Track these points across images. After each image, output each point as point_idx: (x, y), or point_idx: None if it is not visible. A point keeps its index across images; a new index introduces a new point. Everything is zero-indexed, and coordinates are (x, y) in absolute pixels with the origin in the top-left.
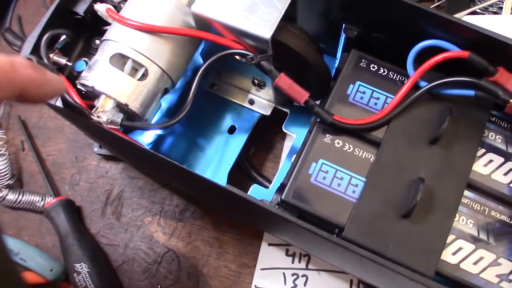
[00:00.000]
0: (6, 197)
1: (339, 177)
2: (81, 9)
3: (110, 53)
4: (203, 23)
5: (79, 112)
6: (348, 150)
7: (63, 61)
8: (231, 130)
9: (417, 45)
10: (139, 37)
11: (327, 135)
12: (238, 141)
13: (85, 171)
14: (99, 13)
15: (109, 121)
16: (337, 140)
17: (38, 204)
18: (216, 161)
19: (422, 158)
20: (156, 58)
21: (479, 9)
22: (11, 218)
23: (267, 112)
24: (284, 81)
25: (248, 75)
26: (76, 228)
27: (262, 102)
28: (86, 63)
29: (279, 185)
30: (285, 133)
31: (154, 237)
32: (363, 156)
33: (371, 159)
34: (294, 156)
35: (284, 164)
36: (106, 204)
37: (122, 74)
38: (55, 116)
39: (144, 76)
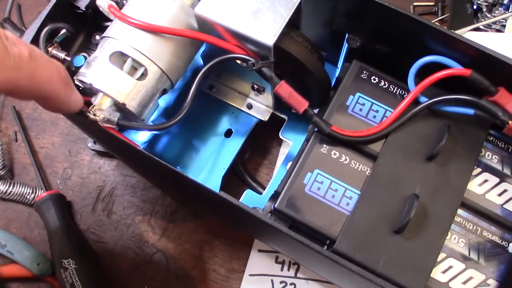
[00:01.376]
0: None
1: (334, 189)
2: (82, 3)
3: (110, 51)
4: (205, 26)
5: None
6: (344, 162)
7: (61, 55)
8: (228, 133)
9: (419, 60)
10: (140, 36)
11: (324, 145)
12: (234, 145)
13: (77, 166)
14: (100, 9)
15: (105, 119)
16: (334, 151)
17: (28, 197)
18: (210, 164)
19: (418, 174)
20: (156, 58)
21: (482, 26)
22: (0, 209)
23: (265, 117)
24: (284, 89)
25: (248, 79)
26: (65, 223)
27: (260, 107)
28: (85, 58)
29: (273, 192)
30: (281, 140)
31: (143, 237)
32: (359, 169)
33: (366, 172)
34: (289, 164)
35: (279, 171)
36: (97, 201)
37: (121, 73)
38: None
39: (143, 75)
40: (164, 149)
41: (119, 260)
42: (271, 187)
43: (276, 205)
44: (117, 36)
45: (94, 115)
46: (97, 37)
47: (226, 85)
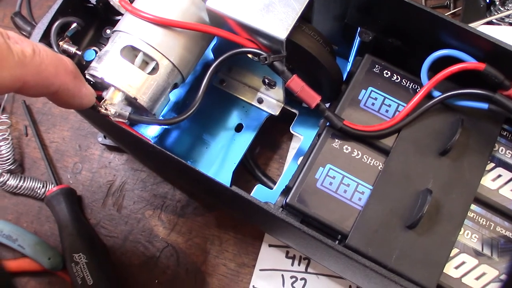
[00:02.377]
0: (7, 182)
1: (346, 184)
2: None
3: (121, 45)
4: (217, 19)
5: None
6: (357, 157)
7: (72, 49)
8: (238, 128)
9: (432, 54)
10: (151, 30)
11: (336, 140)
12: (245, 140)
13: (88, 161)
14: (111, 2)
15: (117, 114)
16: (346, 146)
17: (39, 191)
18: (221, 158)
19: (430, 169)
20: (168, 52)
21: (495, 19)
22: (10, 203)
23: (276, 112)
24: (296, 83)
25: (259, 73)
26: (76, 217)
27: (271, 101)
28: (96, 52)
29: (284, 187)
30: (292, 134)
31: (154, 231)
32: (371, 164)
33: (379, 167)
34: (300, 159)
35: (290, 166)
36: (107, 195)
37: (132, 67)
38: None
39: (154, 70)
40: (174, 143)
41: (129, 254)
42: (282, 182)
43: (288, 200)
44: (128, 30)
45: (106, 109)
46: (108, 31)
47: (237, 80)
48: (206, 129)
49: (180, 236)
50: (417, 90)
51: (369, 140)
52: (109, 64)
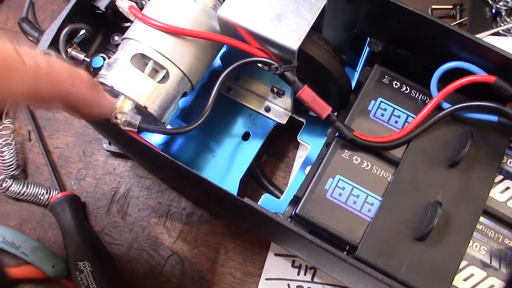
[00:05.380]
0: (10, 188)
1: (355, 195)
2: (102, 4)
3: (131, 53)
4: (228, 28)
5: None
6: (366, 168)
7: (81, 56)
8: (245, 136)
9: (442, 66)
10: (162, 38)
11: (346, 150)
12: (252, 148)
13: (92, 167)
14: (120, 9)
15: (127, 123)
16: (356, 157)
17: (42, 197)
18: (228, 166)
19: (440, 180)
20: (178, 60)
21: (502, 30)
22: (13, 209)
23: (283, 120)
24: (307, 93)
25: (267, 82)
26: (81, 225)
27: (278, 110)
28: (104, 59)
29: (291, 196)
30: (298, 142)
31: (159, 239)
32: (381, 175)
33: (388, 178)
34: (308, 168)
35: (297, 175)
36: (112, 202)
37: (143, 75)
38: None
39: (164, 78)
40: (180, 151)
41: (134, 262)
42: (290, 191)
43: (297, 211)
44: (138, 38)
45: (116, 118)
46: (116, 38)
47: (244, 88)
48: (212, 137)
49: (186, 244)
50: (426, 101)
51: (378, 151)
52: (119, 72)
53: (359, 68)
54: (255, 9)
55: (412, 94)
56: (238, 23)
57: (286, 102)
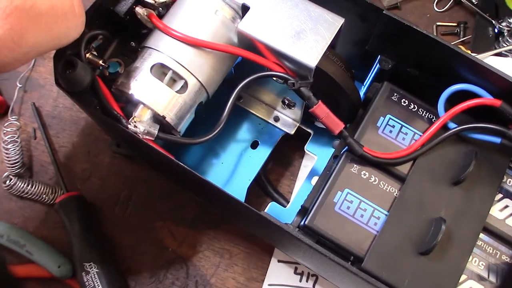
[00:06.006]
0: (14, 186)
1: (363, 208)
2: (121, 10)
3: (151, 63)
4: (246, 42)
5: (115, 119)
6: (374, 182)
7: (98, 61)
8: (253, 144)
9: (449, 88)
10: (182, 49)
11: (355, 165)
12: (260, 157)
13: (97, 167)
14: (139, 16)
15: (146, 131)
16: (364, 171)
17: (46, 196)
18: (236, 174)
19: (443, 197)
20: (197, 72)
21: (505, 51)
22: (17, 206)
23: (291, 131)
24: (321, 109)
25: (277, 92)
26: (87, 226)
27: (287, 120)
28: (119, 64)
29: (297, 205)
30: (303, 151)
31: (164, 243)
32: (387, 190)
33: (394, 193)
34: (314, 178)
35: (304, 185)
36: (117, 204)
37: (162, 85)
38: (70, 108)
39: (182, 88)
40: (188, 156)
41: (138, 265)
42: (296, 200)
43: (306, 222)
44: (158, 47)
45: (135, 127)
46: (133, 43)
47: (254, 96)
48: (221, 144)
49: (190, 249)
50: (433, 120)
51: (385, 167)
52: (139, 81)
53: (367, 82)
54: (275, 25)
55: (419, 113)
56: (258, 38)
57: (295, 112)
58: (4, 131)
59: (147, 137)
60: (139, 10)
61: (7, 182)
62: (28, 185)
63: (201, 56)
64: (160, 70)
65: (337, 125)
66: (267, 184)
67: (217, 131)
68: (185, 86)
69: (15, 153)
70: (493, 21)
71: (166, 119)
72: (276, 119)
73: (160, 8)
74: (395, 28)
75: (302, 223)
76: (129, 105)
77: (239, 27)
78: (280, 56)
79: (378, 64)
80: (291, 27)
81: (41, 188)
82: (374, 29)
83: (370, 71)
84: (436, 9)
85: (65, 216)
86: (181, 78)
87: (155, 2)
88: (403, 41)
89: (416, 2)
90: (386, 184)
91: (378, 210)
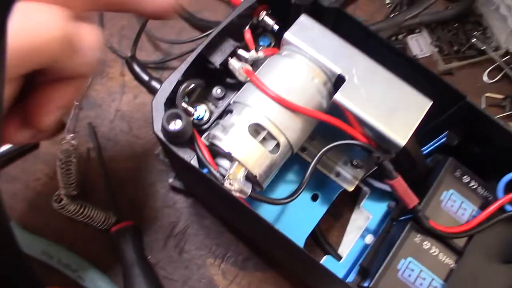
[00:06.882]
0: (67, 206)
1: (422, 277)
2: (217, 60)
3: (249, 121)
4: (338, 110)
5: (212, 175)
6: (434, 254)
7: (191, 110)
8: (314, 197)
9: (508, 174)
10: (279, 111)
11: (418, 235)
12: (319, 210)
13: (151, 197)
14: (230, 67)
15: (240, 190)
16: (426, 242)
17: (98, 221)
18: (295, 225)
19: (496, 275)
20: (289, 133)
21: None
22: (66, 227)
23: (351, 188)
24: (400, 184)
25: (343, 150)
26: (143, 258)
27: (347, 176)
28: (205, 111)
29: (349, 260)
30: (352, 205)
31: (213, 280)
32: (445, 262)
33: (451, 265)
34: (369, 237)
35: (357, 242)
36: (169, 236)
37: (258, 145)
38: (127, 132)
39: (274, 148)
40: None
41: None
42: (349, 256)
43: (370, 285)
44: (256, 107)
45: (230, 184)
46: (219, 91)
47: (318, 149)
48: (284, 193)
49: None
50: (489, 199)
51: (445, 240)
52: (236, 138)
53: (427, 152)
54: (369, 100)
55: (478, 191)
56: (353, 110)
57: (355, 171)
58: (60, 150)
59: (240, 195)
60: (235, 63)
61: (61, 202)
62: (82, 208)
63: (295, 119)
64: (253, 128)
65: (413, 200)
66: (320, 236)
67: (300, 191)
68: (277, 146)
69: (71, 173)
70: None
71: (258, 178)
72: (337, 174)
73: (252, 64)
74: (472, 112)
75: (366, 284)
76: (217, 157)
77: (336, 98)
78: (369, 129)
79: (444, 138)
80: (384, 103)
81: (94, 213)
82: (450, 109)
83: (432, 142)
84: (487, 78)
85: (120, 246)
86: (274, 138)
87: (249, 57)
88: (473, 123)
89: (469, 70)
90: (445, 256)
91: (436, 280)
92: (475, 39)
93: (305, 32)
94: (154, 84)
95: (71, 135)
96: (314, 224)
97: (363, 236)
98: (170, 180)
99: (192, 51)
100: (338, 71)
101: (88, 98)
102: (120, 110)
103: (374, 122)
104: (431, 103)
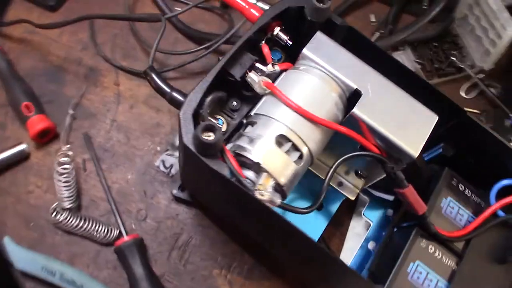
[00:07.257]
0: (65, 221)
1: (429, 279)
2: (237, 73)
3: (275, 133)
4: (353, 123)
5: (242, 185)
6: (438, 257)
7: (215, 123)
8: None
9: (501, 181)
10: (303, 124)
11: (424, 240)
12: (324, 218)
13: (154, 209)
14: (249, 80)
15: (270, 200)
16: (431, 246)
17: (98, 234)
18: None
19: (494, 274)
20: (311, 144)
21: None
22: (63, 241)
23: (353, 196)
24: (411, 192)
25: (347, 162)
26: (150, 272)
27: (349, 186)
28: (222, 122)
29: (353, 266)
30: (351, 213)
31: None
32: (447, 264)
33: (453, 267)
34: (371, 243)
35: (361, 248)
36: (173, 248)
37: (285, 156)
38: (125, 143)
39: (298, 159)
40: None
41: None
42: (353, 263)
43: None
44: (280, 119)
45: (261, 195)
46: (235, 103)
47: (324, 162)
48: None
49: None
50: (482, 206)
51: (447, 243)
52: (264, 150)
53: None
54: (384, 113)
55: (472, 198)
56: (370, 123)
57: (356, 180)
58: (57, 161)
59: (269, 205)
60: (254, 76)
61: (58, 216)
62: (82, 221)
63: (316, 131)
64: (278, 139)
65: (422, 208)
66: (324, 245)
67: (319, 201)
68: (300, 157)
69: (69, 186)
70: (509, 113)
71: (283, 188)
72: (340, 184)
73: (268, 77)
74: (470, 126)
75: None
76: (243, 168)
77: (354, 111)
78: (383, 141)
79: (440, 150)
80: (396, 117)
81: (95, 226)
82: (448, 123)
83: (428, 153)
84: (463, 95)
85: (126, 260)
86: (297, 149)
87: (266, 70)
88: (469, 136)
89: (449, 86)
90: (447, 259)
91: (440, 281)
92: (453, 58)
93: (322, 48)
94: (176, 95)
95: (67, 146)
96: (321, 233)
97: (366, 243)
98: (174, 192)
99: (192, 61)
100: (354, 86)
101: (82, 107)
102: (116, 120)
103: (389, 135)
104: (437, 118)
